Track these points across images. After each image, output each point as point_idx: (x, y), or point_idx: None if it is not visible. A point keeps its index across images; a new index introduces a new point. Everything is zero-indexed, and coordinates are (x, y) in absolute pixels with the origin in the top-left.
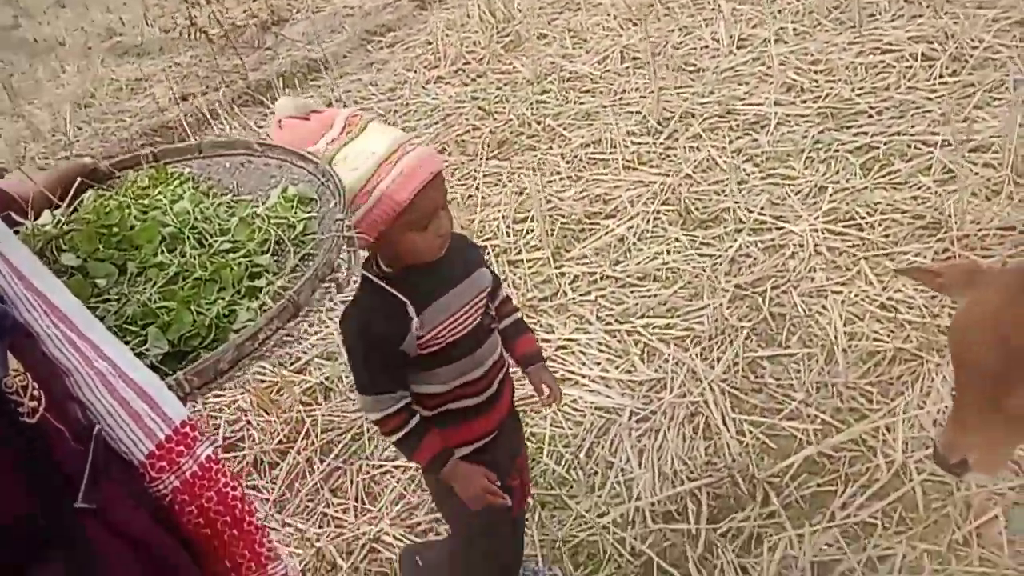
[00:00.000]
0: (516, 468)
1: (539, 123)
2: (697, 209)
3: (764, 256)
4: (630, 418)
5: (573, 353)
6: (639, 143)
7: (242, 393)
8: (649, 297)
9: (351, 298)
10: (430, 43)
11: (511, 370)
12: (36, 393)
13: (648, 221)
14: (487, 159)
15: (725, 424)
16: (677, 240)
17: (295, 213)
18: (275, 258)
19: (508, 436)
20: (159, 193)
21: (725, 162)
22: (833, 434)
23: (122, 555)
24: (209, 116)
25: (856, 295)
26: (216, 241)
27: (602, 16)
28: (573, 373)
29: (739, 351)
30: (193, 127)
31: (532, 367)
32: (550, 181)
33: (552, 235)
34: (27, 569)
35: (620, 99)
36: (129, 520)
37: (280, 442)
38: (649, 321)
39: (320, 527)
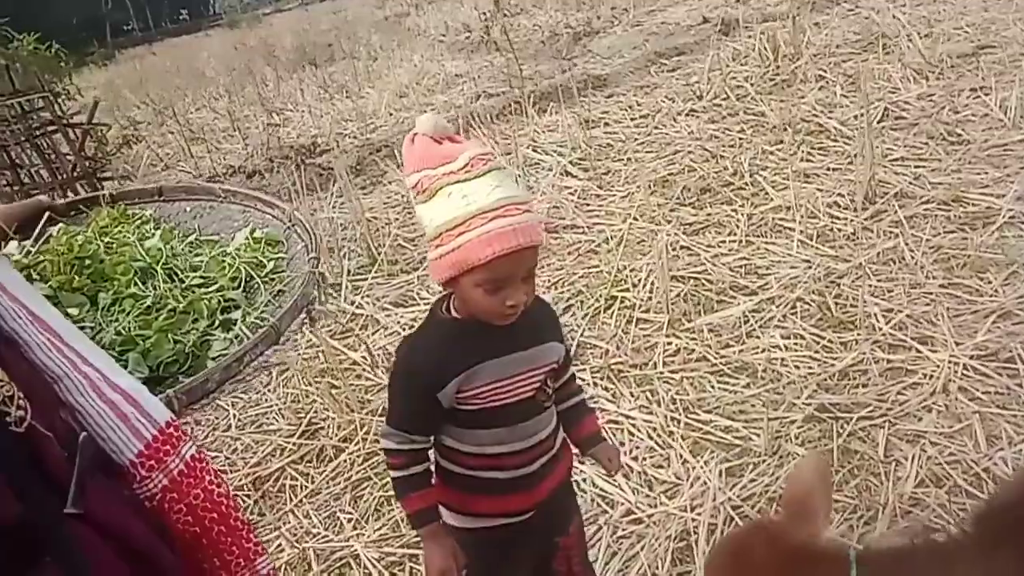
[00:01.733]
0: (561, 549)
1: (752, 176)
2: (840, 307)
3: (880, 379)
4: (623, 515)
5: (620, 431)
6: (834, 218)
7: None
8: (731, 392)
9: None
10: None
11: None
12: (22, 403)
13: (783, 307)
14: (683, 205)
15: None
16: (799, 337)
17: (263, 253)
18: (246, 294)
19: (548, 519)
20: (122, 231)
21: (912, 259)
22: None
23: (111, 558)
24: (493, 118)
25: (953, 454)
26: (188, 276)
27: (894, 64)
28: None
29: (773, 480)
30: (476, 124)
31: (593, 449)
32: (721, 241)
33: (685, 300)
34: (23, 573)
35: (849, 163)
36: (117, 523)
37: (343, 439)
38: (713, 419)
39: (323, 529)
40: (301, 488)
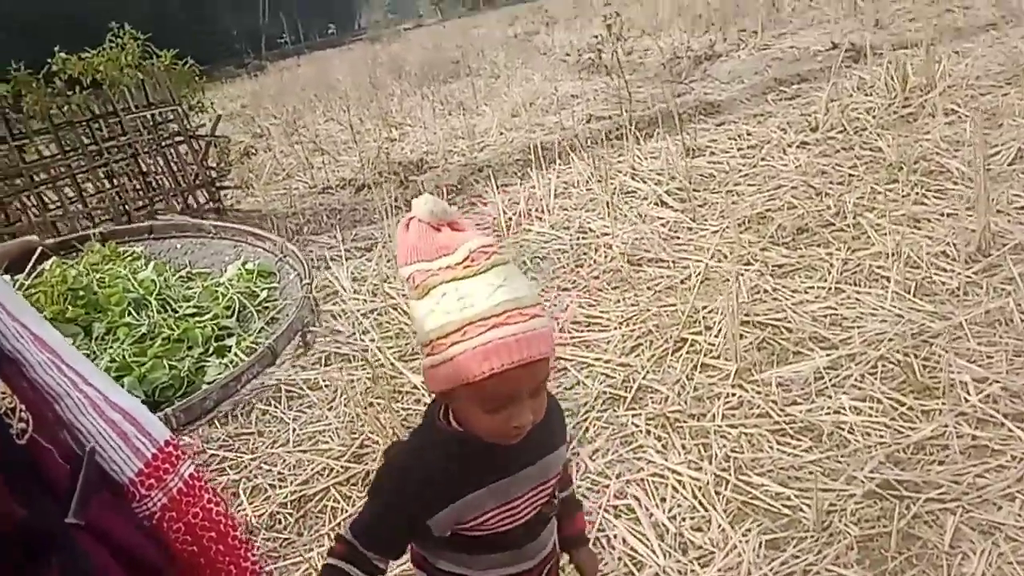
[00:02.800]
0: None
1: (855, 217)
2: (927, 371)
3: (960, 457)
4: None
5: (663, 486)
6: (939, 269)
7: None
8: (789, 455)
9: (410, 432)
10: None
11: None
12: (24, 415)
13: (863, 365)
14: (775, 244)
15: None
16: (875, 400)
17: (256, 283)
18: (239, 322)
19: None
20: (113, 268)
21: (1021, 322)
22: None
23: (110, 566)
24: (597, 142)
25: None
26: (181, 306)
27: None
28: (640, 505)
29: (819, 560)
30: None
31: (575, 551)
32: (809, 287)
33: (759, 348)
34: None
35: (967, 208)
36: (122, 536)
37: None
38: (764, 483)
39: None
40: (341, 511)
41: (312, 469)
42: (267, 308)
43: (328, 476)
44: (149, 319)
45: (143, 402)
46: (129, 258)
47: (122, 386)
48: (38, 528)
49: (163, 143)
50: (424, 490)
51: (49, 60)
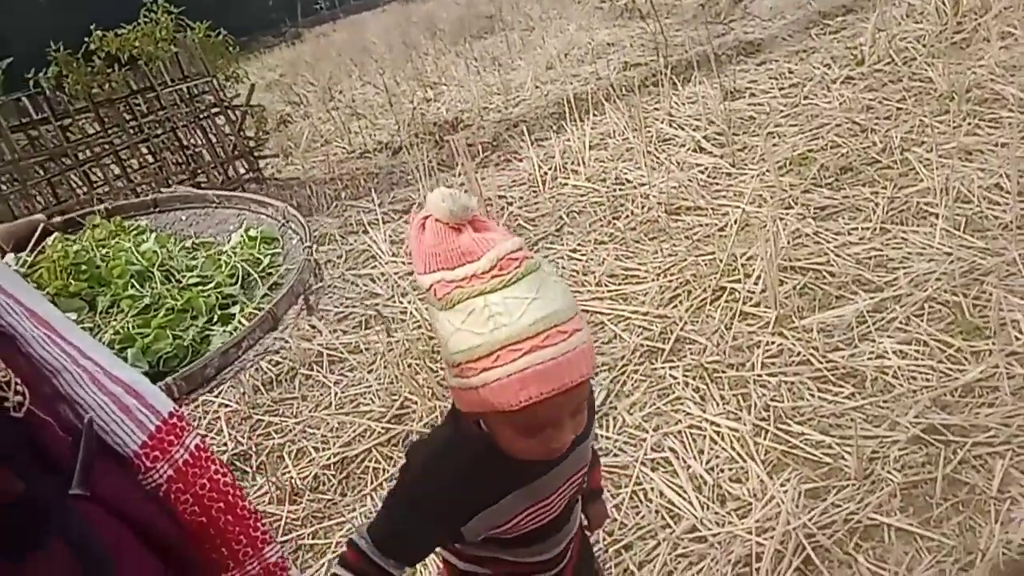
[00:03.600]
0: None
1: (902, 153)
2: (977, 310)
3: (1010, 399)
4: (686, 532)
5: (701, 438)
6: (991, 203)
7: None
8: (830, 402)
9: (431, 434)
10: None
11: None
12: (20, 388)
13: (909, 307)
14: (818, 186)
15: None
16: (922, 343)
17: (259, 250)
18: (243, 290)
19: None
20: (119, 241)
21: None
22: None
23: (121, 535)
24: (634, 89)
25: None
26: (184, 276)
27: None
28: (677, 458)
29: (860, 508)
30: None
31: (590, 503)
32: (853, 229)
33: (801, 294)
34: (28, 552)
35: (1023, 137)
36: (129, 506)
37: (426, 425)
38: (804, 432)
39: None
40: (383, 471)
41: (354, 431)
42: (270, 274)
43: (370, 438)
44: (152, 290)
45: (147, 374)
46: (134, 232)
47: (126, 358)
48: (38, 501)
49: (200, 115)
50: (453, 499)
51: (87, 39)
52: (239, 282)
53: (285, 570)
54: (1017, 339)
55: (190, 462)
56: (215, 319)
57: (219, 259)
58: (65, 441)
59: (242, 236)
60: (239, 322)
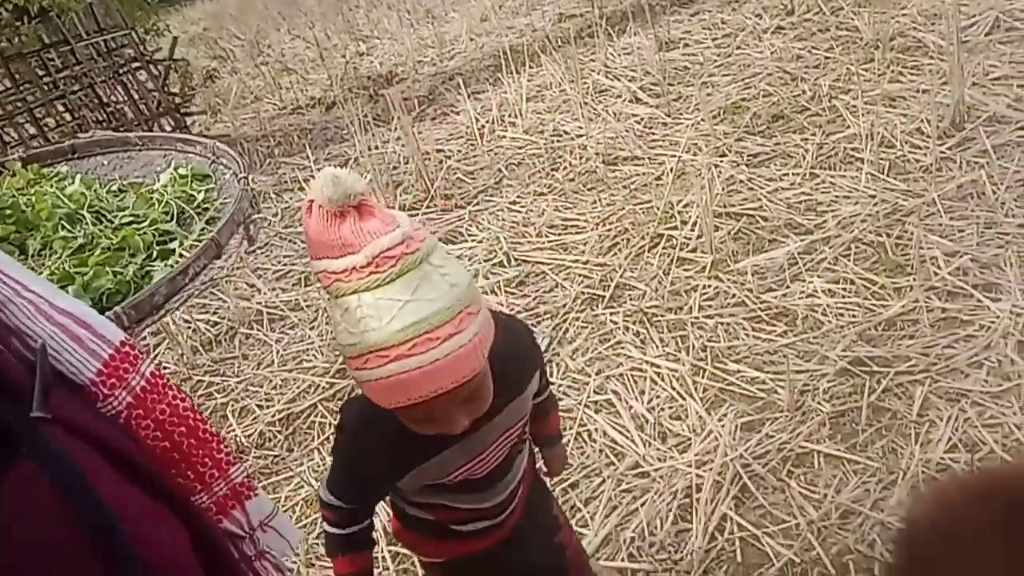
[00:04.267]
0: (558, 547)
1: (831, 100)
2: (899, 248)
3: (929, 331)
4: (629, 468)
5: (642, 379)
6: (913, 147)
7: None
8: (764, 340)
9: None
10: None
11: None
12: None
13: (837, 248)
14: (751, 134)
15: (709, 516)
16: (848, 282)
17: (191, 187)
18: (180, 226)
19: (528, 530)
20: (40, 188)
21: (993, 195)
22: None
23: (90, 456)
24: (569, 41)
25: (995, 417)
26: (116, 216)
27: None
28: (619, 399)
29: (792, 438)
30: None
31: (548, 449)
32: (784, 175)
33: (735, 239)
34: None
35: (943, 83)
36: (90, 426)
37: None
38: (740, 370)
39: None
40: (329, 426)
41: (298, 388)
42: (206, 210)
43: (314, 393)
44: (85, 231)
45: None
46: (55, 178)
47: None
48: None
49: (120, 70)
50: (383, 460)
51: None
52: (175, 219)
53: (251, 489)
54: (936, 274)
55: (147, 388)
56: (154, 255)
57: (150, 197)
58: (19, 367)
59: (172, 174)
60: (180, 255)
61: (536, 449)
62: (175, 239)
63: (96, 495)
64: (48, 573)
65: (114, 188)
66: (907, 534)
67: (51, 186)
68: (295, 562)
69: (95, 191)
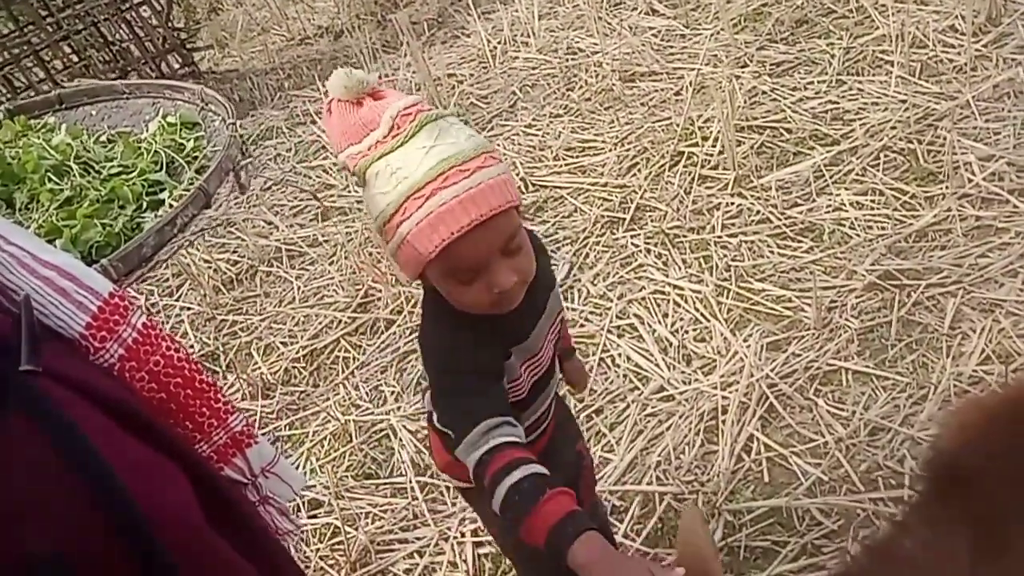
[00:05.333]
0: (577, 456)
1: (858, 1)
2: (931, 155)
3: (962, 240)
4: (654, 392)
5: (665, 302)
6: (946, 46)
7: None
8: (790, 257)
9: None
10: None
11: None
12: None
13: (865, 158)
14: (773, 42)
15: (736, 438)
16: (877, 193)
17: (180, 135)
18: (170, 176)
19: (557, 439)
20: (27, 140)
21: None
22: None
23: (83, 407)
24: None
25: None
26: (104, 167)
27: None
28: (642, 323)
29: (820, 356)
30: None
31: (567, 363)
32: (809, 83)
33: (758, 153)
34: None
35: None
36: (84, 379)
37: (393, 311)
38: (765, 288)
39: (368, 402)
40: (353, 360)
41: (320, 323)
42: (196, 158)
43: (337, 328)
44: (72, 183)
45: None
46: (42, 129)
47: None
48: None
49: (122, 7)
50: (478, 340)
51: None
52: (164, 168)
53: (252, 437)
54: (970, 180)
55: (139, 340)
56: (144, 207)
57: (139, 147)
58: (6, 322)
59: (160, 123)
60: (170, 205)
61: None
62: (165, 189)
63: (88, 444)
64: (43, 524)
65: (102, 139)
66: (940, 452)
67: (37, 138)
68: (326, 495)
69: (82, 142)
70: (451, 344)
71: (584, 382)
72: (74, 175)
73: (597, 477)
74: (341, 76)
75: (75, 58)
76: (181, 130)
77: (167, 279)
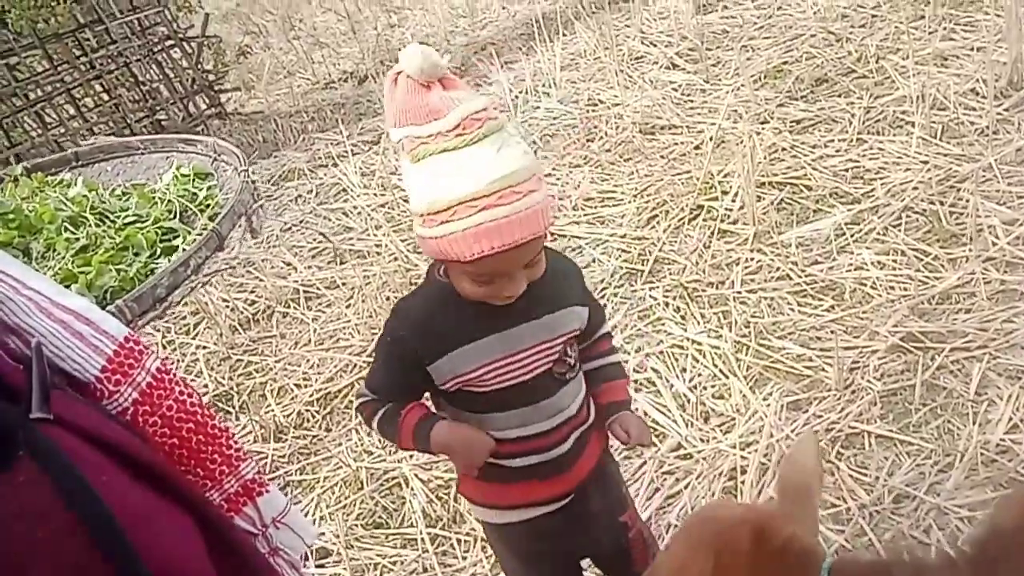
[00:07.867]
0: (622, 529)
1: (878, 62)
2: (954, 217)
3: (986, 304)
4: (671, 450)
5: (683, 356)
6: (967, 108)
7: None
8: (810, 316)
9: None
10: None
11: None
12: None
13: (885, 218)
14: (793, 99)
15: (755, 499)
16: (899, 253)
17: (193, 185)
18: (183, 224)
19: (594, 498)
20: (44, 195)
21: None
22: None
23: (93, 456)
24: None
25: None
26: (119, 217)
27: None
28: (661, 377)
29: (841, 418)
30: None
31: (615, 417)
32: (829, 141)
33: (778, 209)
34: None
35: (999, 40)
36: (92, 425)
37: None
38: (784, 346)
39: (380, 448)
40: None
41: (335, 367)
42: (209, 206)
43: (351, 372)
44: (87, 232)
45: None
46: (58, 184)
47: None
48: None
49: (154, 49)
50: (420, 332)
51: None
52: (177, 216)
53: (263, 485)
54: (994, 244)
55: (153, 384)
56: (158, 253)
57: (153, 197)
58: (17, 370)
59: (174, 174)
60: (182, 250)
61: (608, 421)
62: (178, 236)
63: (94, 494)
64: (48, 573)
65: (117, 191)
66: (992, 531)
67: (54, 191)
68: (335, 544)
69: (98, 194)
70: (401, 319)
71: (642, 435)
72: (90, 225)
73: None
74: (418, 56)
75: (105, 96)
76: (194, 180)
77: (184, 316)
